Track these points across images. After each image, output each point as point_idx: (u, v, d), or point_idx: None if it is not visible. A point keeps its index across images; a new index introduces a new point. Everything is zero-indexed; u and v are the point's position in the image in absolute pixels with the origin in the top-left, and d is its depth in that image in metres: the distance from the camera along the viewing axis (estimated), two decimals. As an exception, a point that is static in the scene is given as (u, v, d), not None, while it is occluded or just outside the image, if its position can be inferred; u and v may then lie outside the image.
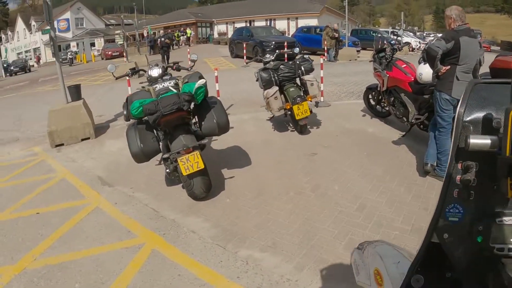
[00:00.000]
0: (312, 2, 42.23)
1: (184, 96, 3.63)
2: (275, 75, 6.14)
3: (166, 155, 3.89)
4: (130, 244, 3.57)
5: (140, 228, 3.83)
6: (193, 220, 3.85)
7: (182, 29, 42.71)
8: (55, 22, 51.56)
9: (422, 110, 5.52)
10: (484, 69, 5.14)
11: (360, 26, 52.53)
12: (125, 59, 18.77)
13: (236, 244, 3.38)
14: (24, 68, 36.58)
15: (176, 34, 37.90)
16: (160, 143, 4.12)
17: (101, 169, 5.59)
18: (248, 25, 38.49)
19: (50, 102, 7.30)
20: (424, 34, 49.84)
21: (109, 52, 35.49)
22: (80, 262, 3.32)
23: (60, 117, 7.03)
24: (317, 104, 6.40)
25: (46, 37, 51.31)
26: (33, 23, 51.31)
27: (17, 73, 35.50)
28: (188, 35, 40.84)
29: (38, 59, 46.61)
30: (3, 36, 62.06)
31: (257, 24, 38.87)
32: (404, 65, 6.21)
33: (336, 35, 17.66)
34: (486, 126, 0.87)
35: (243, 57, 18.73)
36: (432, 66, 4.36)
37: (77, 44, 48.29)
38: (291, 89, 6.12)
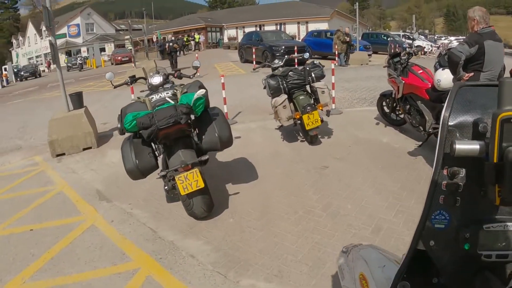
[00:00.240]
0: (322, 6, 42.00)
1: (182, 108, 3.29)
2: (284, 82, 5.78)
3: (163, 173, 3.58)
4: (124, 268, 3.28)
5: (135, 251, 3.53)
6: (192, 243, 3.53)
7: (192, 33, 42.67)
8: (66, 28, 52.55)
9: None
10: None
11: (370, 29, 51.99)
12: (132, 64, 18.57)
13: (238, 272, 3.05)
14: (34, 73, 36.87)
15: (185, 39, 37.83)
16: (160, 157, 3.82)
17: (100, 182, 5.34)
18: (258, 29, 38.39)
19: (56, 108, 7.13)
20: (435, 37, 49.16)
21: (119, 57, 35.55)
22: (69, 289, 3.04)
23: (61, 126, 6.80)
24: (328, 113, 6.03)
25: (57, 42, 52.09)
26: (43, 28, 51.76)
27: (27, 78, 35.82)
28: (197, 40, 40.74)
29: (49, 64, 46.93)
30: (14, 41, 62.88)
31: (267, 28, 38.75)
32: (421, 71, 5.85)
33: (347, 39, 17.30)
34: (472, 131, 0.86)
35: (252, 62, 18.49)
36: (454, 73, 3.99)
37: (87, 49, 48.59)
38: (301, 97, 5.76)
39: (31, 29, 55.78)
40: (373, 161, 5.17)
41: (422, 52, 24.51)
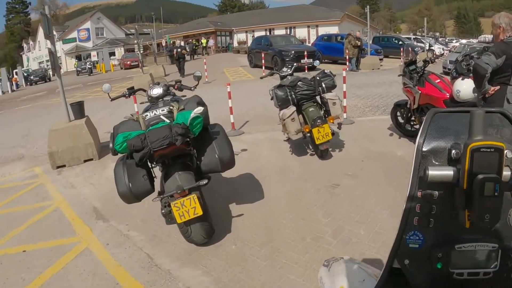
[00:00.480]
0: (333, 10, 41.70)
1: (177, 129, 2.96)
2: (292, 93, 5.40)
3: (157, 199, 3.27)
4: (115, 302, 3.00)
5: (129, 280, 3.25)
6: (190, 273, 3.22)
7: (201, 38, 42.61)
8: (76, 32, 52.99)
9: None
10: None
11: (381, 32, 51.40)
12: (140, 69, 18.40)
13: (239, 311, 2.75)
14: (44, 77, 37.15)
15: (194, 43, 37.76)
16: (156, 178, 3.53)
17: (98, 198, 5.10)
18: (267, 33, 38.13)
19: (61, 115, 6.92)
20: (446, 40, 48.51)
21: (128, 62, 35.56)
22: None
23: (60, 137, 6.59)
24: (340, 126, 5.66)
25: (67, 46, 53.00)
26: (54, 32, 52.22)
27: (37, 83, 36.10)
28: (204, 45, 40.61)
29: (59, 68, 47.22)
30: (25, 45, 63.60)
31: (277, 32, 38.49)
32: (438, 80, 5.53)
33: (359, 43, 16.95)
34: (446, 157, 0.89)
35: (262, 67, 18.21)
36: (478, 86, 3.64)
37: (97, 54, 48.83)
38: (310, 109, 5.39)
39: (41, 34, 56.16)
40: (388, 177, 4.81)
41: (434, 55, 24.02)
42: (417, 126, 5.95)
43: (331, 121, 5.31)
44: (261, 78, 7.07)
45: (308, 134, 5.42)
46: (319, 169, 5.29)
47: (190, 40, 40.85)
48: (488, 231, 0.88)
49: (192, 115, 3.03)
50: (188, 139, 3.23)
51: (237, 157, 5.80)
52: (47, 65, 50.05)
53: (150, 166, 3.48)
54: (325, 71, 5.70)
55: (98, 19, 53.40)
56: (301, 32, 39.27)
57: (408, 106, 6.05)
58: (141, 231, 4.05)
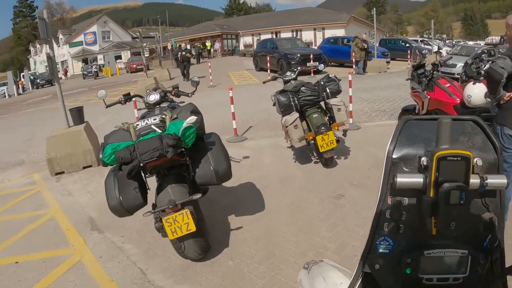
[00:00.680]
0: (339, 12, 41.50)
1: (168, 140, 2.76)
2: (295, 98, 5.19)
3: (147, 214, 3.08)
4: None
5: (121, 298, 3.08)
6: (185, 291, 3.05)
7: (206, 41, 42.62)
8: (83, 35, 53.27)
9: None
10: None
11: (388, 35, 51.05)
12: (144, 73, 18.29)
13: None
14: (50, 81, 37.20)
15: (200, 46, 37.72)
16: (149, 190, 3.35)
17: (94, 207, 4.94)
18: (274, 36, 38.04)
19: (64, 119, 6.81)
20: (454, 42, 48.01)
21: (134, 65, 35.52)
22: None
23: (59, 143, 6.47)
24: (345, 133, 5.43)
25: (74, 50, 53.29)
26: (60, 36, 52.76)
27: (43, 86, 36.27)
28: (208, 48, 40.55)
29: (65, 71, 47.53)
30: (32, 49, 63.99)
31: (283, 35, 38.38)
32: (448, 84, 5.29)
33: (366, 46, 16.72)
34: (416, 164, 0.89)
35: (267, 71, 18.03)
36: (493, 92, 3.40)
37: (104, 57, 49.00)
38: (314, 116, 5.17)
39: (49, 37, 56.83)
40: (395, 187, 4.60)
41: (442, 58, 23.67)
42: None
43: (336, 128, 5.10)
44: (264, 83, 6.87)
45: (312, 142, 5.20)
46: (324, 178, 5.07)
47: (196, 44, 40.78)
48: (457, 237, 0.88)
49: (184, 125, 2.83)
50: (183, 149, 3.05)
51: (239, 164, 5.69)
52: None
53: (143, 177, 3.30)
54: (330, 76, 5.49)
55: (105, 22, 53.62)
56: (307, 35, 39.14)
57: (416, 111, 5.83)
58: (135, 243, 3.88)
